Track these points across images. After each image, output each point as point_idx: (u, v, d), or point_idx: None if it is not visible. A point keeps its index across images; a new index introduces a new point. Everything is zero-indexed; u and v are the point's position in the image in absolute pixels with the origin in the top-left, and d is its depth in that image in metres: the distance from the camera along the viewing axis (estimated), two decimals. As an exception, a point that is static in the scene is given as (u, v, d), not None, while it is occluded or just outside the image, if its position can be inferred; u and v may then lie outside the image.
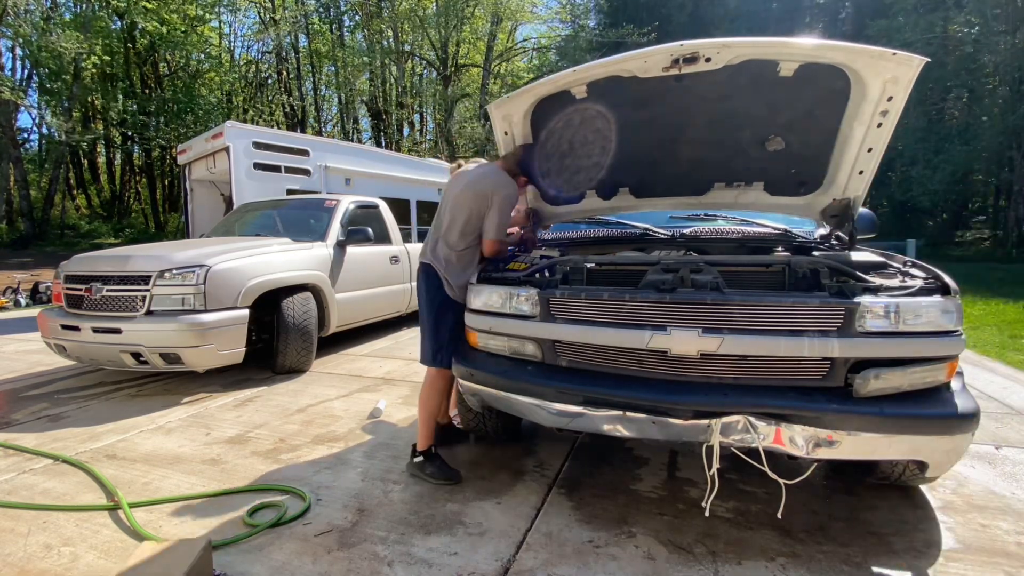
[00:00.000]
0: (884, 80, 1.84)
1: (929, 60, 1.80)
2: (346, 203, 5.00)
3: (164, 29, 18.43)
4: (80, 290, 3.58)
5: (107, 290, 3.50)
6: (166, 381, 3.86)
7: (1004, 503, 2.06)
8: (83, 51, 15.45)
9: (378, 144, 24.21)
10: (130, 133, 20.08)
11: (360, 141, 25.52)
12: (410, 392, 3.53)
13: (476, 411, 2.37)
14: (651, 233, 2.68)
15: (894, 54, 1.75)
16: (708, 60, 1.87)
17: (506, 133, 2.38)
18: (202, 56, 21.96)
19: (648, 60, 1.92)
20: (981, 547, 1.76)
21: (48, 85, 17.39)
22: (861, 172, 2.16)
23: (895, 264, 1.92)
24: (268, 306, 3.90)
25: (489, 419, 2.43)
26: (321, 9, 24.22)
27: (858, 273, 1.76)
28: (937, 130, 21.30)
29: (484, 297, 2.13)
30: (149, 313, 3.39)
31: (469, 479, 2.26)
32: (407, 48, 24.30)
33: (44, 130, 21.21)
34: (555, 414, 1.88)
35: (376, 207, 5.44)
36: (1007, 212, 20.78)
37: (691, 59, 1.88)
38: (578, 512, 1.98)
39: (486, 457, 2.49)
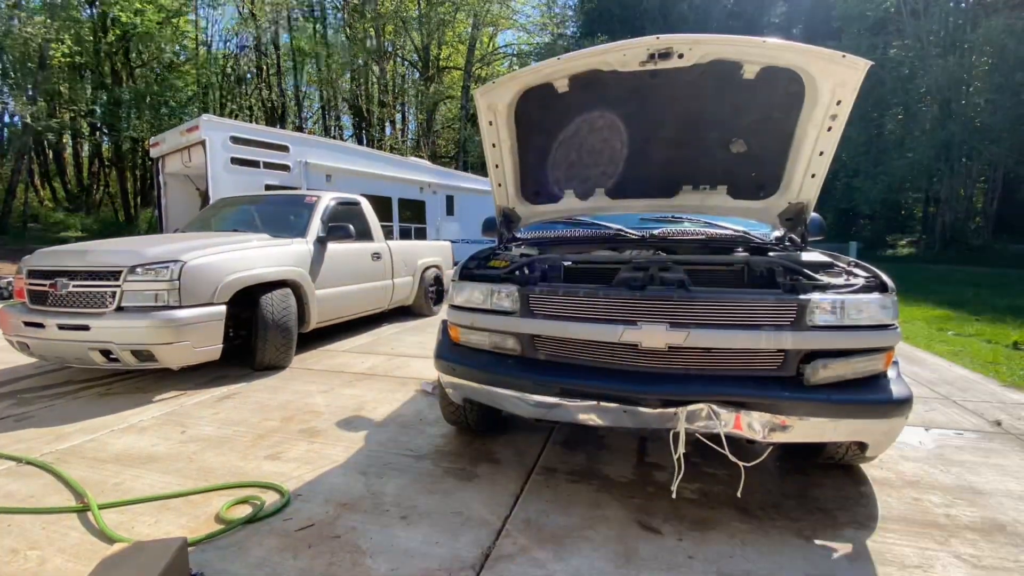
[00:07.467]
0: (834, 83, 2.02)
1: (874, 63, 2.00)
2: (327, 199, 4.99)
3: (138, 19, 17.85)
4: (44, 286, 3.44)
5: (73, 286, 3.36)
6: (137, 379, 3.76)
7: (933, 479, 2.27)
8: (50, 38, 14.84)
9: (359, 142, 23.98)
10: (99, 124, 19.36)
11: (342, 139, 25.22)
12: (392, 387, 3.57)
13: (457, 404, 2.45)
14: (623, 234, 2.82)
15: (843, 56, 1.94)
16: (681, 56, 2.02)
17: (491, 123, 2.46)
18: (177, 48, 21.34)
19: (627, 53, 2.07)
20: (914, 519, 1.94)
21: (12, 72, 16.60)
22: (813, 176, 2.34)
23: (840, 264, 2.10)
24: (247, 302, 3.88)
25: (470, 412, 2.51)
26: (305, 7, 23.88)
27: (809, 272, 1.92)
28: (876, 144, 23.28)
29: (466, 293, 2.21)
30: (120, 309, 3.29)
31: (450, 470, 2.33)
32: (389, 48, 24.19)
33: (6, 119, 20.25)
34: (533, 405, 1.98)
35: (358, 204, 5.45)
36: (935, 218, 22.60)
37: (665, 54, 2.03)
38: (555, 498, 2.07)
39: (467, 448, 2.56)
